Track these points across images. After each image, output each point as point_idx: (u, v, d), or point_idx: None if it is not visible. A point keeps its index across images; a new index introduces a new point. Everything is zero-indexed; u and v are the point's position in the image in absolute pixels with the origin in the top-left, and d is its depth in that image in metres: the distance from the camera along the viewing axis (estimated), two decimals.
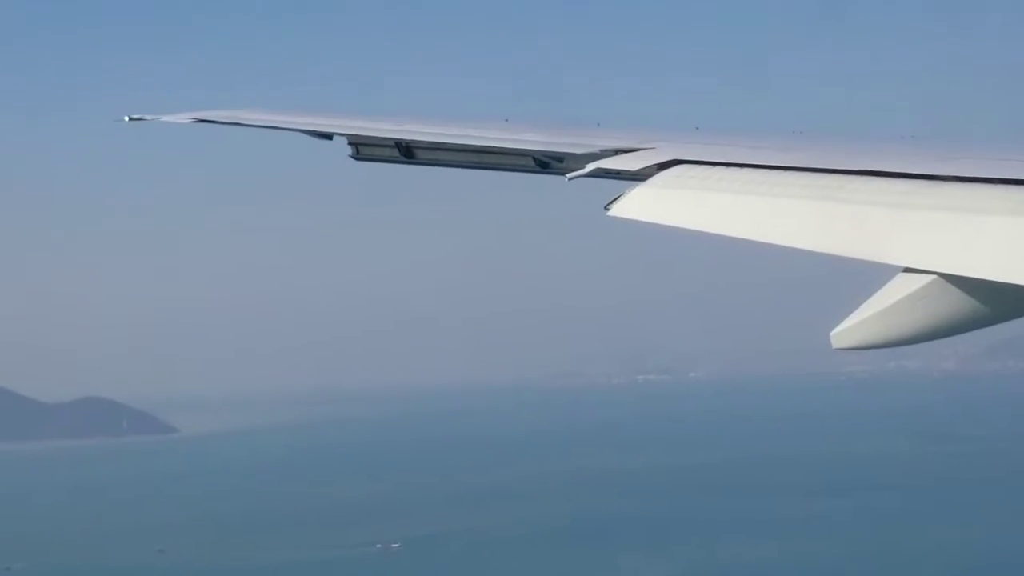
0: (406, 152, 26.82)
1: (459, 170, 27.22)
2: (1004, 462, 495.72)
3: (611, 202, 21.42)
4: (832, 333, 18.03)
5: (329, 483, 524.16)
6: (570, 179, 23.31)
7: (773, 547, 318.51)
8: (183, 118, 30.89)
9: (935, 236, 17.73)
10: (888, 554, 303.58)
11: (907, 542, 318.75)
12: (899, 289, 17.63)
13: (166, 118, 31.45)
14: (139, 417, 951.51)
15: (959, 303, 17.23)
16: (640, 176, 21.90)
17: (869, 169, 19.94)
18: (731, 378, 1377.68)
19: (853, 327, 17.84)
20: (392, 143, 26.98)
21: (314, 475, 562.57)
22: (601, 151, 23.21)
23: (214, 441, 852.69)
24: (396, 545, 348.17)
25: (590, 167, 22.98)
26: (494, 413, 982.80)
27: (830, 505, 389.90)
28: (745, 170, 21.40)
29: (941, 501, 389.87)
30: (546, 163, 24.57)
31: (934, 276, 17.33)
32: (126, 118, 31.13)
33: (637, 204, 21.09)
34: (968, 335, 18.48)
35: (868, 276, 18.23)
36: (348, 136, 27.63)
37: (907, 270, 17.70)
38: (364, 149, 27.63)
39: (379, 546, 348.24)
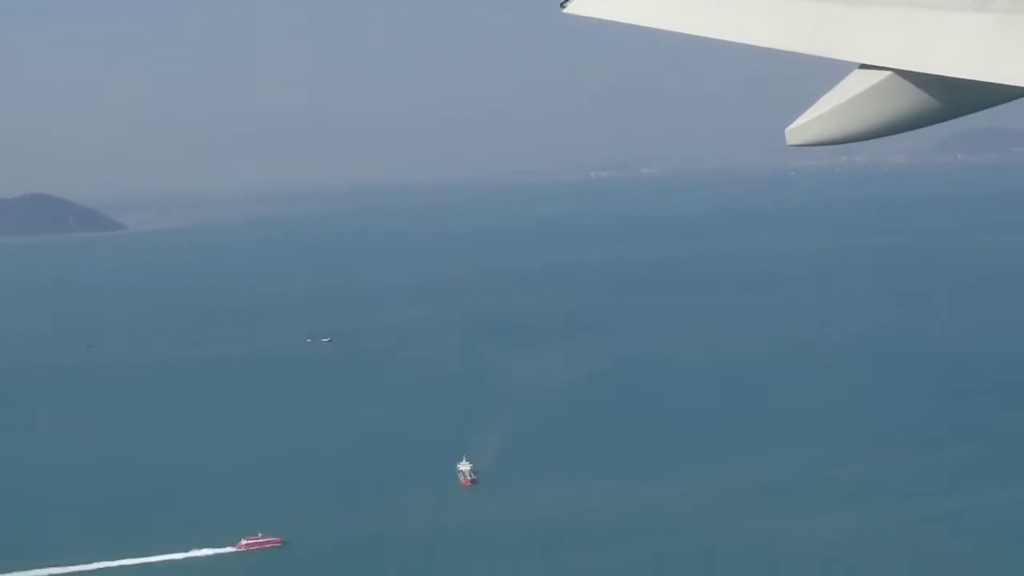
0: None
1: None
2: (940, 252, 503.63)
3: None
4: (787, 129, 18.16)
5: (269, 280, 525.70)
6: None
7: (691, 339, 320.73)
8: None
9: (892, 32, 17.55)
10: (807, 342, 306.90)
11: (829, 331, 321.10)
12: (855, 85, 17.68)
13: None
14: (86, 214, 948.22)
15: (914, 99, 17.42)
16: None
17: None
18: (683, 174, 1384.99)
19: (808, 123, 18.00)
20: None
21: (255, 272, 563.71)
22: None
23: (160, 238, 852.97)
24: (326, 340, 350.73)
25: None
26: (448, 210, 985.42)
27: (759, 298, 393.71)
28: None
29: (869, 293, 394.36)
30: None
31: (890, 72, 17.30)
32: None
33: (594, 1, 20.86)
34: (919, 129, 18.74)
35: (825, 73, 18.36)
36: None
37: (863, 66, 17.62)
38: None
39: (309, 341, 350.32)
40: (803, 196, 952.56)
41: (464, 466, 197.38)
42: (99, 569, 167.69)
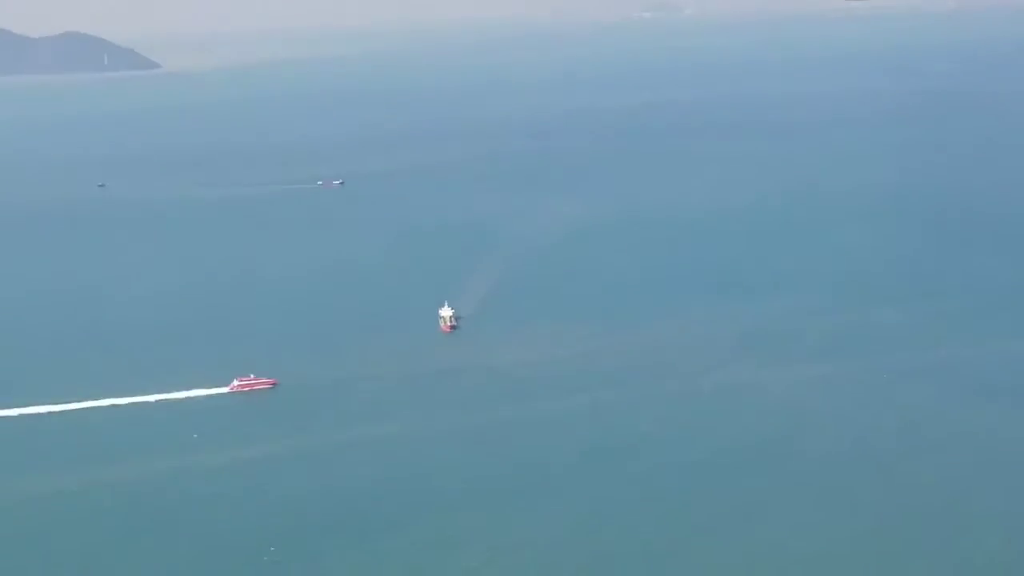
0: None
1: None
2: (966, 97, 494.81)
3: None
4: None
5: (297, 121, 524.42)
6: None
7: (699, 188, 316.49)
8: None
9: None
10: (814, 191, 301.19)
11: (843, 179, 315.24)
12: None
13: None
14: (121, 53, 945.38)
15: None
16: None
17: None
18: (725, 15, 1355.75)
19: None
20: None
21: (285, 114, 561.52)
22: None
23: (194, 78, 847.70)
24: (338, 182, 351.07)
25: None
26: (477, 53, 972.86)
27: (781, 144, 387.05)
28: None
29: (897, 140, 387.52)
30: None
31: None
32: None
33: None
34: None
35: None
36: None
37: None
38: None
39: (320, 183, 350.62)
40: (849, 39, 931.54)
41: (446, 312, 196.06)
42: (96, 406, 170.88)
